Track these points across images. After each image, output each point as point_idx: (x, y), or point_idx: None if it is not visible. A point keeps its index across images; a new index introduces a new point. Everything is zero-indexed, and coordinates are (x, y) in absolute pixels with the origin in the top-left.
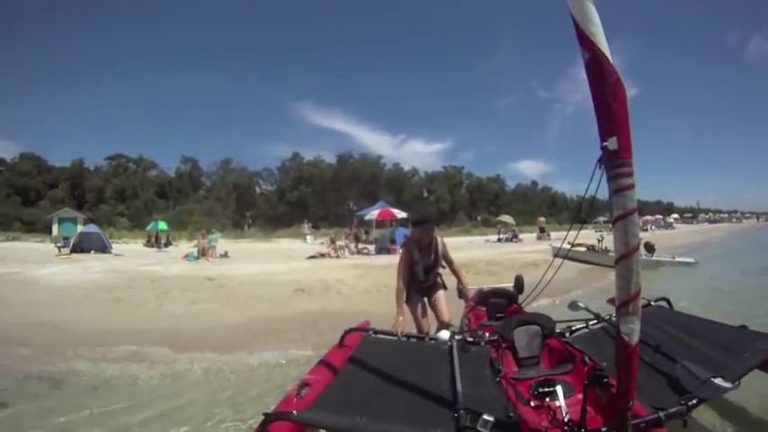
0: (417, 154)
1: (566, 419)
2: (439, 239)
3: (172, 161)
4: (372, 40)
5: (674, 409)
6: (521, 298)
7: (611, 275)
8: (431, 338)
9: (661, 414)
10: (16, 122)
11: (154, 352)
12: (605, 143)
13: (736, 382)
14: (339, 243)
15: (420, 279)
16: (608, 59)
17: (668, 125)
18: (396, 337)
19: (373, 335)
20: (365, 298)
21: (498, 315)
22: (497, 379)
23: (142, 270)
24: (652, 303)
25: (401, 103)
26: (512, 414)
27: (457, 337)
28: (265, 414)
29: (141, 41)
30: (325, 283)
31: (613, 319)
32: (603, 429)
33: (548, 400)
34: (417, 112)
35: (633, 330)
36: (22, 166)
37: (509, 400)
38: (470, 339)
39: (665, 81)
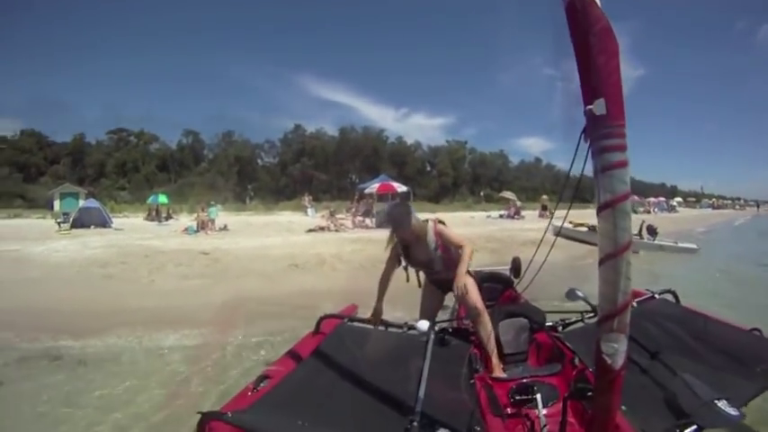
0: (420, 127)
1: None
2: (430, 232)
3: (174, 134)
4: (373, 13)
5: None
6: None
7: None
8: (409, 327)
9: None
10: (17, 100)
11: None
12: (590, 106)
13: (743, 409)
14: (339, 216)
15: (428, 273)
16: (594, 1)
17: (671, 109)
18: (373, 327)
19: (348, 323)
20: (360, 274)
21: (489, 303)
22: (471, 380)
23: (139, 244)
24: (656, 296)
25: (404, 76)
26: (477, 427)
27: (441, 326)
28: (201, 413)
29: (144, 17)
30: (320, 257)
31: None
32: None
33: (526, 407)
34: (420, 86)
35: (618, 352)
36: (23, 143)
37: (478, 407)
38: (450, 330)
39: (671, 65)
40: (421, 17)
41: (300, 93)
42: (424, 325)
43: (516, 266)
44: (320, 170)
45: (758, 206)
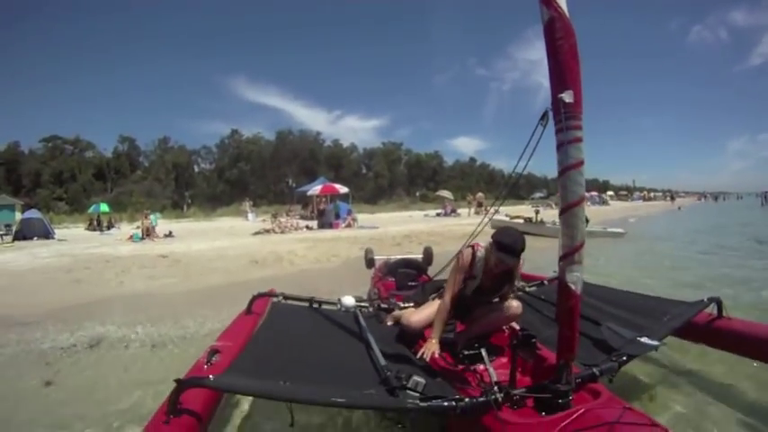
0: (353, 130)
1: (494, 381)
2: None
3: (108, 141)
4: (303, 15)
5: (606, 365)
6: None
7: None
8: (339, 304)
9: (595, 370)
10: None
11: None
12: (561, 95)
13: (660, 341)
14: (282, 219)
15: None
16: (569, 19)
17: (605, 104)
18: (306, 303)
19: (283, 300)
20: (317, 266)
21: (411, 284)
22: (411, 343)
23: (92, 252)
24: None
25: (337, 78)
26: (438, 377)
27: (363, 303)
28: (177, 380)
29: (73, 22)
30: (276, 254)
31: (529, 288)
32: (547, 383)
33: (472, 364)
34: (353, 88)
35: (578, 279)
36: None
37: (434, 362)
38: (384, 306)
39: (603, 62)
40: (352, 19)
41: (233, 97)
42: (350, 300)
43: (428, 255)
44: (257, 175)
45: (671, 198)
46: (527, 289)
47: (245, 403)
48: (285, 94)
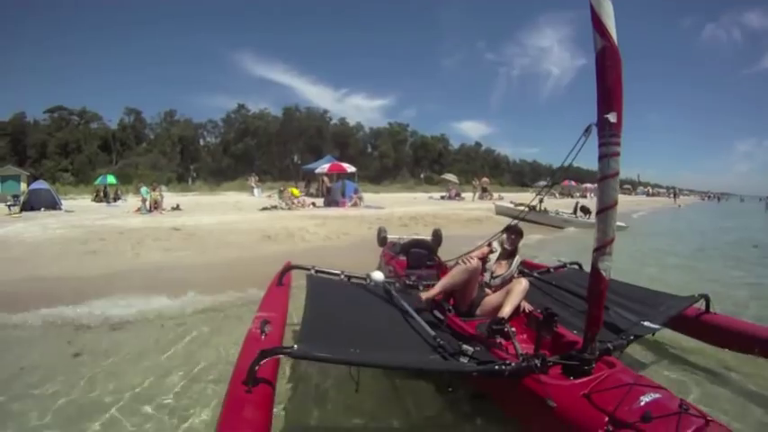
0: (359, 109)
1: (519, 352)
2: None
3: (114, 113)
4: None
5: (617, 342)
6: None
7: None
8: (369, 278)
9: (609, 345)
10: None
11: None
12: (607, 115)
13: (660, 327)
14: (287, 194)
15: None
16: (618, 49)
17: None
18: (338, 277)
19: (315, 273)
20: (329, 243)
21: (424, 264)
22: (444, 318)
23: (103, 224)
24: (567, 266)
25: (344, 57)
26: (478, 346)
27: (389, 280)
28: (262, 351)
29: None
30: (288, 230)
31: (538, 274)
32: (574, 352)
33: (499, 338)
34: (361, 67)
35: (609, 267)
36: None
37: (470, 335)
38: (410, 283)
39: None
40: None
41: (239, 71)
42: (379, 276)
43: (438, 236)
44: (263, 150)
45: (674, 196)
46: (534, 274)
47: (312, 370)
48: (291, 70)
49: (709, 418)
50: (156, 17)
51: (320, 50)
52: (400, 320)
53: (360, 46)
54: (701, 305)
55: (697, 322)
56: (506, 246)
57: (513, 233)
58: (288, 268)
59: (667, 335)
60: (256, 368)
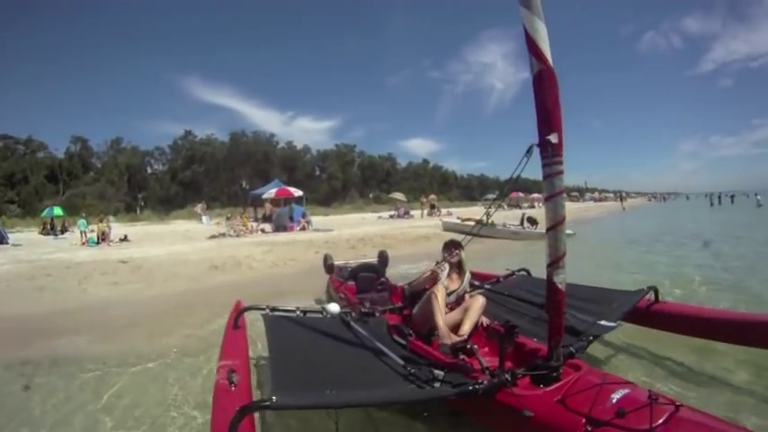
0: (306, 131)
1: (484, 367)
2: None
3: (61, 141)
4: (257, 13)
5: (578, 345)
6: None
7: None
8: (324, 311)
9: (572, 348)
10: None
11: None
12: (548, 137)
13: (615, 323)
14: (234, 222)
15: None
16: (554, 72)
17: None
18: (294, 313)
19: (271, 312)
20: (276, 270)
21: (371, 286)
22: (406, 343)
23: (50, 258)
24: (516, 273)
25: (290, 78)
26: (444, 369)
27: (345, 311)
28: (242, 408)
29: (21, 17)
30: (235, 259)
31: (488, 285)
32: (540, 362)
33: (462, 356)
34: (307, 88)
35: (563, 280)
36: None
37: (435, 358)
38: (365, 311)
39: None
40: (306, 19)
41: (186, 97)
42: (335, 308)
43: (384, 258)
44: (211, 177)
45: (621, 199)
46: (486, 286)
47: (287, 413)
48: (238, 94)
49: (678, 404)
50: (101, 42)
51: (265, 71)
52: (365, 353)
53: (305, 66)
54: (650, 297)
55: (649, 312)
56: (450, 260)
57: (453, 247)
58: (242, 310)
59: (624, 328)
60: (238, 425)
